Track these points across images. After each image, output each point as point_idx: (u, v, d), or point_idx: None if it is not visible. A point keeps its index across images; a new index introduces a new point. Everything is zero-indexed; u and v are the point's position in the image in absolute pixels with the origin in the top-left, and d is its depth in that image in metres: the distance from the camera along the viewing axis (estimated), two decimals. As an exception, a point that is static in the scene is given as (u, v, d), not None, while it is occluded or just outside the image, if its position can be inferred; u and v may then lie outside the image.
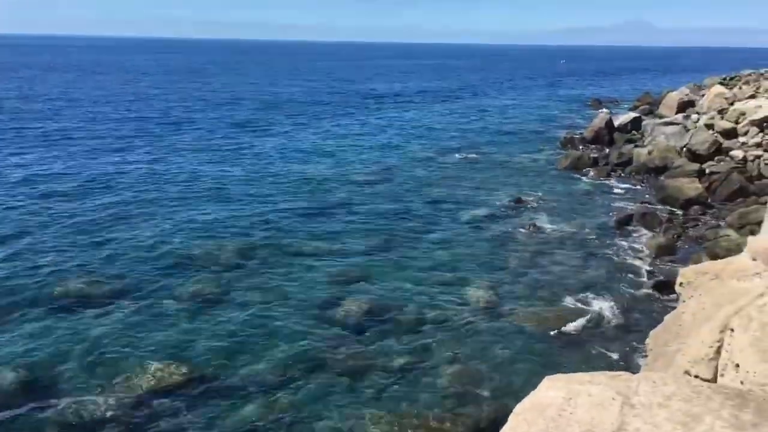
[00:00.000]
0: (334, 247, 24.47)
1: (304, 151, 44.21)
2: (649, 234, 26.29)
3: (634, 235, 26.52)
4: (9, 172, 34.51)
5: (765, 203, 24.13)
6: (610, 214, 29.40)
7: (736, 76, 57.09)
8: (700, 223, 27.33)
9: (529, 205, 30.89)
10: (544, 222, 28.14)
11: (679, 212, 29.23)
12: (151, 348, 16.48)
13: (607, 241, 25.77)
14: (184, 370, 15.32)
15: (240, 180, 34.87)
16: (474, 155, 43.94)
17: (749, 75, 55.76)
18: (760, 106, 36.12)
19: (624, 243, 25.55)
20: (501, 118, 66.44)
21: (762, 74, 54.25)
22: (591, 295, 20.34)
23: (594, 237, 26.34)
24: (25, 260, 22.08)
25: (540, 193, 33.11)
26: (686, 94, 52.65)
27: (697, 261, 20.33)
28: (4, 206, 28.28)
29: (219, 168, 37.77)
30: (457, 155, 43.85)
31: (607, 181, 36.30)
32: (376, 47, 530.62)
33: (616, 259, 23.88)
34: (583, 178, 37.14)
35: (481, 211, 29.62)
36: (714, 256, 19.50)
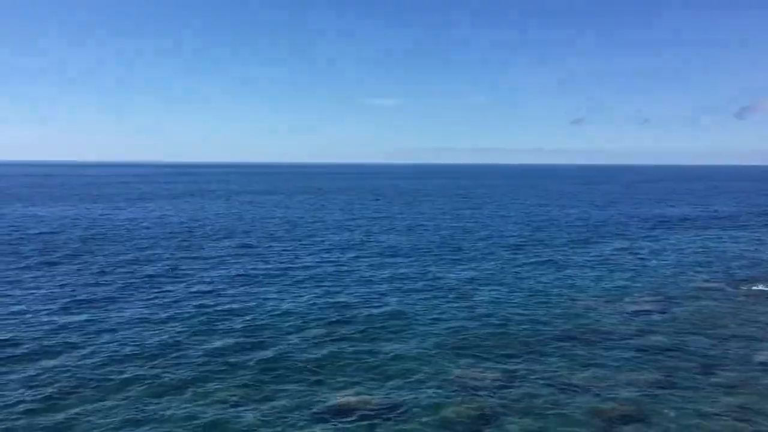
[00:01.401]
0: (602, 380, 22.89)
1: (568, 273, 43.03)
2: None
3: None
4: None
5: None
6: None
7: None
8: None
9: None
10: None
11: None
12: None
13: None
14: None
15: (504, 301, 34.91)
16: (771, 287, 38.63)
17: None
18: None
19: None
20: (806, 245, 57.94)
21: None
22: None
23: None
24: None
25: None
26: None
27: None
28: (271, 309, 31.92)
29: (486, 289, 38.41)
30: (749, 287, 38.92)
31: None
32: (642, 170, 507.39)
33: None
34: None
35: (781, 353, 25.56)
36: None
